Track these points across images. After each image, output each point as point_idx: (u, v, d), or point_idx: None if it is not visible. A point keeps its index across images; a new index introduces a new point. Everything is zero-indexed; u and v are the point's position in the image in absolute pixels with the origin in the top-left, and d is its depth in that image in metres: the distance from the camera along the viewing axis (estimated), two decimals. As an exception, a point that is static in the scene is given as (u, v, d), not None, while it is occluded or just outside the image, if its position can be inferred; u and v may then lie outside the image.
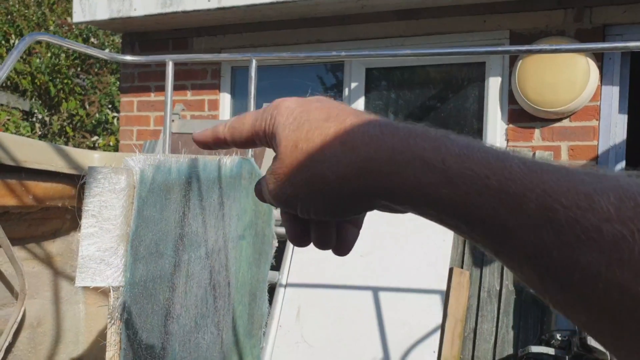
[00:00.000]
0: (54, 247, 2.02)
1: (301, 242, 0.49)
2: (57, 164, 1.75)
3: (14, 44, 8.91)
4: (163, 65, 4.19)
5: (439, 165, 0.37)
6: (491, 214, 0.35)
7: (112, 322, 0.98)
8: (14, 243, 1.80)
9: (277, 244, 3.18)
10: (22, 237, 1.90)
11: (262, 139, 0.46)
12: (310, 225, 0.48)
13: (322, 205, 0.42)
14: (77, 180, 1.64)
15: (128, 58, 1.98)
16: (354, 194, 0.40)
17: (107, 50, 8.57)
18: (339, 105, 0.44)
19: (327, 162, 0.40)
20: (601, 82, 3.21)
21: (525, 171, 0.34)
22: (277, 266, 3.21)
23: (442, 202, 0.37)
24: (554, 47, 1.78)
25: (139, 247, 1.01)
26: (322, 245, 0.48)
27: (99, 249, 0.95)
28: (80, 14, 4.05)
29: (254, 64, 1.92)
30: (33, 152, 1.67)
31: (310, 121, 0.42)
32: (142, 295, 1.03)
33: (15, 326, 1.67)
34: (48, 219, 1.95)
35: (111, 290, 0.98)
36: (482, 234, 0.36)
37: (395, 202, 0.40)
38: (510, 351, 2.79)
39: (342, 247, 0.51)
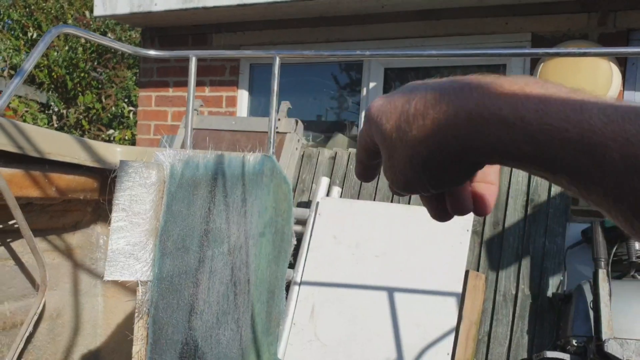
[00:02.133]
0: (74, 239, 2.03)
1: (443, 217, 0.51)
2: (80, 157, 1.75)
3: (32, 36, 8.98)
4: (182, 61, 4.20)
5: (519, 123, 0.37)
6: (575, 164, 0.36)
7: (140, 316, 0.98)
8: (35, 234, 1.81)
9: (295, 242, 3.18)
10: (44, 229, 1.92)
11: (372, 146, 0.48)
12: (423, 201, 0.51)
13: (435, 178, 0.44)
14: (100, 173, 1.65)
15: (152, 52, 1.98)
16: (450, 160, 0.42)
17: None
18: (414, 84, 0.46)
19: (418, 141, 0.42)
20: (623, 87, 3.17)
21: (605, 121, 0.35)
22: (292, 264, 3.21)
23: (526, 157, 0.38)
24: (582, 50, 1.76)
25: (167, 242, 1.01)
26: (460, 212, 0.49)
27: (129, 242, 0.95)
28: (101, 8, 4.07)
29: (277, 61, 1.92)
30: (57, 144, 1.68)
31: (395, 108, 0.44)
32: (168, 290, 1.03)
33: (35, 317, 1.68)
34: (69, 211, 1.96)
35: (139, 285, 0.98)
36: (569, 182, 0.37)
37: (487, 161, 0.41)
38: (525, 355, 2.77)
39: (481, 206, 0.50)
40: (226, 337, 1.47)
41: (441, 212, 0.50)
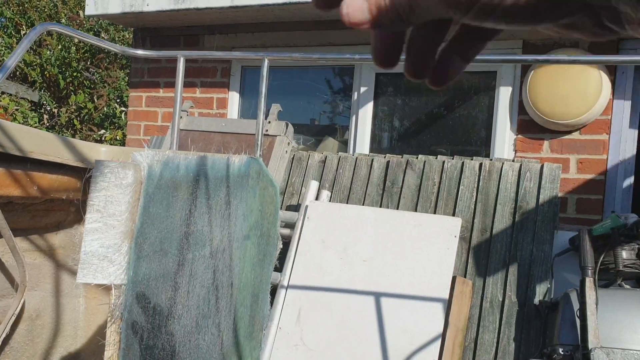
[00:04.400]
0: (56, 239, 2.01)
1: (391, 62, 0.42)
2: (64, 156, 1.73)
3: (24, 35, 8.93)
4: (173, 61, 4.19)
5: None
6: None
7: (112, 320, 0.96)
8: (16, 234, 1.78)
9: (281, 245, 3.16)
10: (25, 228, 1.89)
11: None
12: (408, 44, 0.43)
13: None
14: (83, 173, 1.63)
15: (140, 52, 1.96)
16: None
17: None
18: None
19: None
20: (613, 96, 3.18)
21: None
22: (278, 267, 3.19)
23: None
24: (571, 58, 1.76)
25: (143, 244, 0.99)
26: (420, 66, 0.42)
27: (103, 245, 0.93)
28: (92, 7, 4.05)
29: (266, 63, 1.90)
30: (40, 143, 1.66)
31: None
32: (144, 294, 1.01)
33: (13, 318, 1.65)
34: (52, 210, 1.93)
35: (113, 288, 0.96)
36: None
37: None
38: (511, 363, 2.76)
39: (440, 76, 0.44)
40: (206, 341, 1.45)
41: (393, 56, 0.42)
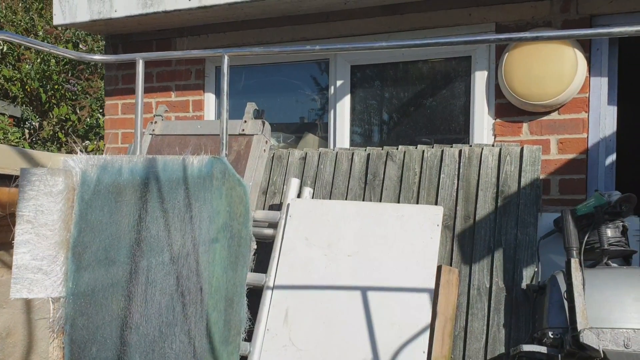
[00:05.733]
0: (23, 254, 1.95)
1: None
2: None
3: (2, 50, 8.85)
4: (147, 66, 4.13)
5: None
6: None
7: (54, 336, 0.91)
8: (-21, 251, 1.73)
9: (255, 246, 3.11)
10: (-11, 245, 1.84)
11: None
12: None
13: None
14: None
15: (97, 57, 1.91)
16: None
17: (96, 56, 8.51)
18: None
19: None
20: (589, 74, 3.15)
21: None
22: (264, 268, 3.14)
23: None
24: (535, 34, 1.72)
25: (83, 254, 0.94)
26: None
27: (36, 257, 0.89)
28: (60, 17, 3.98)
29: (226, 59, 1.86)
30: (-7, 156, 1.61)
31: None
32: (89, 305, 0.96)
33: (-22, 338, 1.60)
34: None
35: (51, 302, 0.91)
36: None
37: None
38: (502, 350, 2.72)
39: None
40: (174, 349, 1.41)
41: None
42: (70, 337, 0.91)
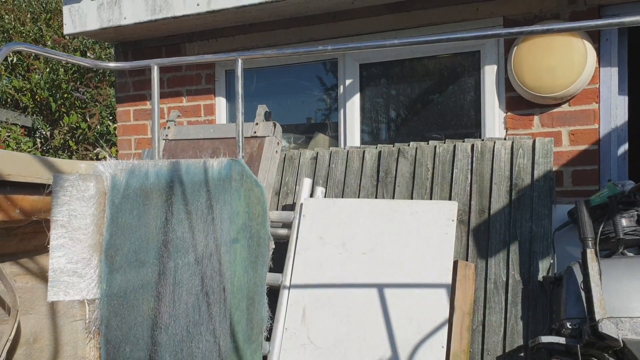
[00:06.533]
0: (47, 260, 1.99)
1: None
2: (43, 176, 1.71)
3: (12, 61, 8.94)
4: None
5: None
6: None
7: (90, 336, 0.94)
8: (5, 258, 1.76)
9: (273, 246, 3.13)
10: (14, 252, 1.87)
11: None
12: None
13: None
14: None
15: (111, 64, 1.94)
16: None
17: (111, 63, 8.56)
18: None
19: None
20: (599, 65, 3.15)
21: None
22: (279, 268, 3.17)
23: None
24: (545, 27, 1.73)
25: (115, 256, 0.97)
26: None
27: (70, 260, 0.91)
28: (70, 26, 4.03)
29: (239, 63, 1.88)
30: (17, 165, 1.64)
31: None
32: (122, 306, 0.99)
33: (8, 344, 1.64)
34: (40, 232, 1.91)
35: (86, 304, 0.94)
36: None
37: None
38: (520, 342, 2.73)
39: None
40: (201, 349, 1.43)
41: None
42: (106, 337, 0.94)
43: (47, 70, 8.75)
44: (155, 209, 1.10)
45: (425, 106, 3.75)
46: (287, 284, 3.05)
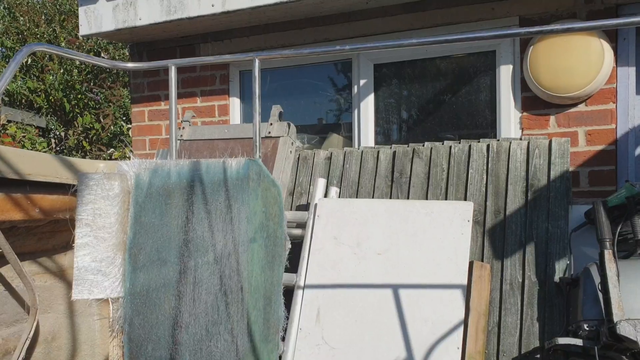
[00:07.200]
0: (65, 259, 2.00)
1: None
2: (62, 176, 1.72)
3: (26, 62, 9.03)
4: (171, 73, 4.18)
5: None
6: None
7: (114, 335, 0.95)
8: (24, 257, 1.78)
9: (290, 246, 3.12)
10: (33, 251, 1.89)
11: None
12: None
13: None
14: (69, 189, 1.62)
15: (130, 65, 1.95)
16: None
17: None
18: None
19: None
20: (616, 64, 3.12)
21: None
22: (294, 268, 3.17)
23: None
24: (564, 26, 1.72)
25: (138, 255, 0.97)
26: None
27: (95, 259, 0.92)
28: (86, 27, 4.06)
29: (257, 63, 1.88)
30: (37, 164, 1.65)
31: None
32: (144, 305, 0.99)
33: (27, 342, 1.65)
34: (58, 231, 1.93)
35: (110, 302, 0.95)
36: None
37: None
38: (537, 344, 2.71)
39: None
40: (219, 348, 1.43)
41: None
42: (129, 336, 0.94)
43: (61, 71, 8.82)
44: (177, 208, 1.11)
45: (440, 106, 3.73)
46: (302, 284, 3.05)
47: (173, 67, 1.95)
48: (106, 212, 0.92)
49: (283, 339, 2.92)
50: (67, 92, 8.93)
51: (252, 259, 1.67)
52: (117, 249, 0.94)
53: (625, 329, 2.27)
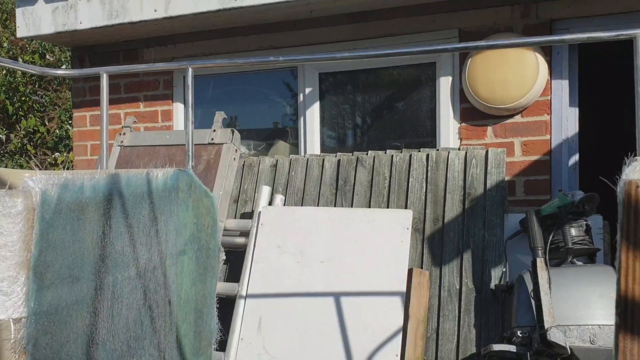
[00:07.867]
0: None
1: None
2: (-17, 187, 1.66)
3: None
4: (113, 77, 4.11)
5: None
6: None
7: (16, 356, 0.92)
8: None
9: (224, 257, 3.10)
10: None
11: None
12: None
13: None
14: None
15: (60, 72, 1.91)
16: None
17: (63, 67, 8.40)
18: None
19: None
20: (551, 77, 3.22)
21: None
22: (236, 277, 3.15)
23: None
24: (490, 43, 1.77)
25: (45, 273, 0.95)
26: None
27: (-5, 278, 0.89)
28: (24, 29, 3.94)
29: (190, 72, 1.87)
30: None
31: None
32: (52, 324, 0.96)
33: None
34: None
35: (11, 323, 0.91)
36: None
37: None
38: (473, 350, 2.77)
39: None
40: (144, 363, 1.41)
41: None
42: (33, 357, 0.91)
43: (4, 72, 8.53)
44: (92, 223, 1.08)
45: (384, 115, 3.78)
46: (244, 293, 3.03)
47: (105, 75, 1.91)
48: (8, 230, 0.90)
49: (221, 349, 2.89)
50: (10, 94, 8.64)
51: (181, 271, 1.65)
52: (20, 268, 0.92)
53: (555, 335, 2.35)
